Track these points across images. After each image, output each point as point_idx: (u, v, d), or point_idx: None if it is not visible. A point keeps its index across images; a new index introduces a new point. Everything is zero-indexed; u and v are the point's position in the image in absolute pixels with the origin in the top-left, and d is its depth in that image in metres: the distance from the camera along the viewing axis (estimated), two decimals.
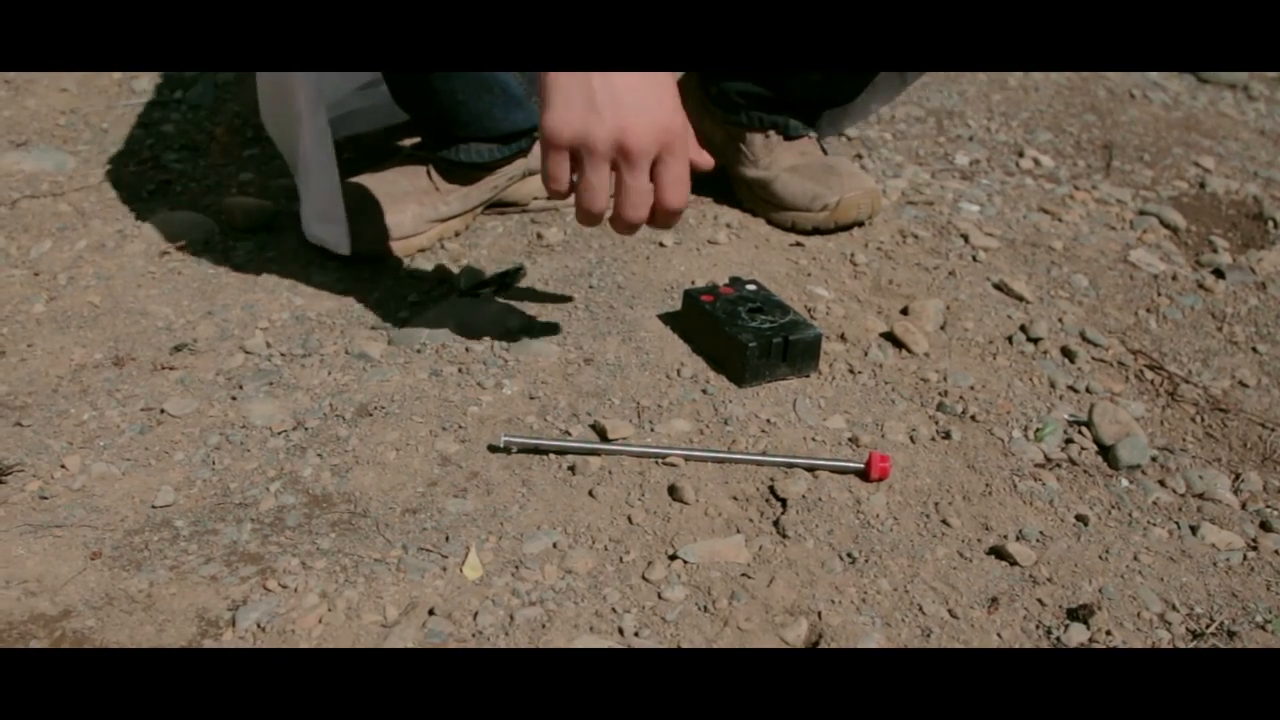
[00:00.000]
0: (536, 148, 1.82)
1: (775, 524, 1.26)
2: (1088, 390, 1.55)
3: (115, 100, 2.24)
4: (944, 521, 1.30)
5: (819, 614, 1.16)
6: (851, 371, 1.52)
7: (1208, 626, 1.20)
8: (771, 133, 1.84)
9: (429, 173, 1.75)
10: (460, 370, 1.46)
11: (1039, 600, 1.20)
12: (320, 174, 1.60)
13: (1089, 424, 1.47)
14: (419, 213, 1.72)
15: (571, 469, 1.31)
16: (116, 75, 2.33)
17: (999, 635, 1.16)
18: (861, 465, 1.33)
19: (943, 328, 1.64)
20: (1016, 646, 1.15)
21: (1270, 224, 2.05)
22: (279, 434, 1.36)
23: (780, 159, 1.83)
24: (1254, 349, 1.69)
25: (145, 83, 2.30)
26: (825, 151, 1.88)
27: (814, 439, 1.39)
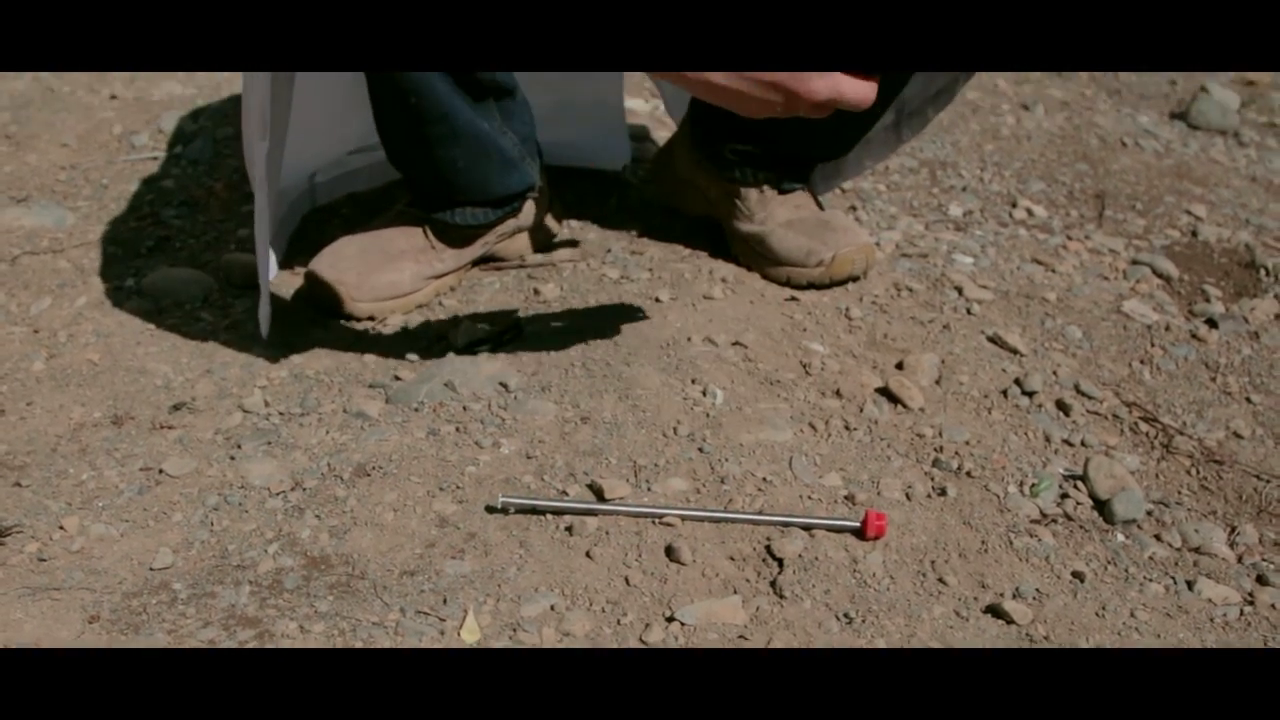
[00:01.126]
0: (527, 206, 1.84)
1: (772, 584, 1.27)
2: (1083, 444, 1.56)
3: (115, 155, 2.26)
4: (940, 580, 1.30)
5: None
6: (847, 428, 1.53)
7: None
8: (766, 187, 1.86)
9: (425, 232, 1.76)
10: (458, 429, 1.47)
11: None
12: (260, 247, 1.59)
13: (1084, 478, 1.48)
14: (416, 271, 1.74)
15: (569, 529, 1.32)
16: (117, 130, 2.35)
17: None
18: (857, 524, 1.34)
19: (938, 382, 1.65)
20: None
21: (1262, 272, 2.06)
22: (277, 494, 1.36)
23: (775, 214, 1.85)
24: (1248, 399, 1.70)
25: (145, 137, 2.32)
26: (821, 205, 1.89)
27: (810, 497, 1.40)
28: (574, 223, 2.02)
